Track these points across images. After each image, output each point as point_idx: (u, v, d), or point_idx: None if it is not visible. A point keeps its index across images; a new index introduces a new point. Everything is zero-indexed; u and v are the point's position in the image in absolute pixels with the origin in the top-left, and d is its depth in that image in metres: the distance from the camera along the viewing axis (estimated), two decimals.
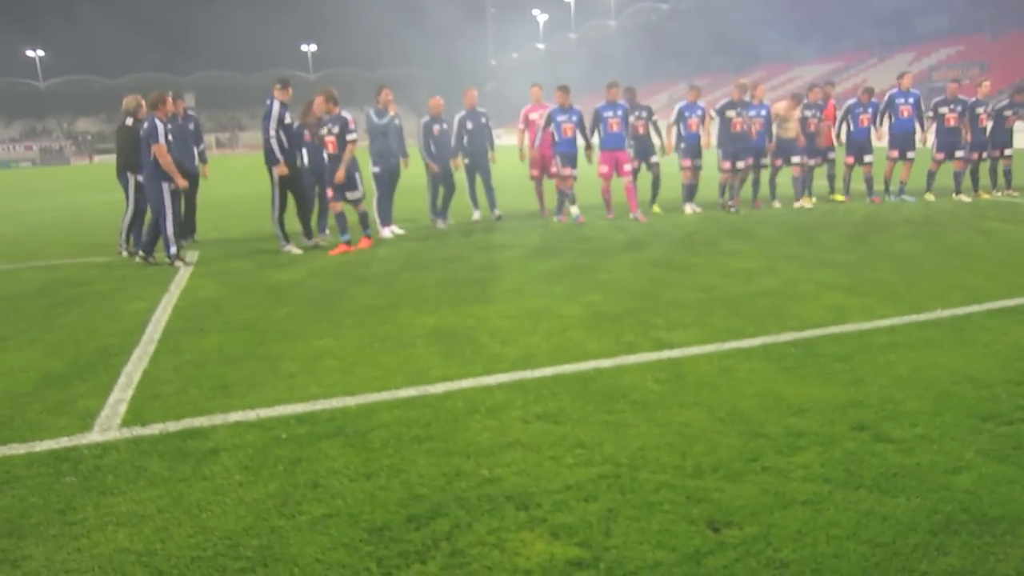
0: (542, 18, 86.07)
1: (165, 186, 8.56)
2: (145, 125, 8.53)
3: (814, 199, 12.55)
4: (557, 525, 2.83)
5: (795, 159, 12.03)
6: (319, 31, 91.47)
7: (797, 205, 12.11)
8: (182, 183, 8.71)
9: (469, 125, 11.38)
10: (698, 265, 7.69)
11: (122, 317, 6.36)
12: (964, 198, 12.35)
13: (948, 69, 41.21)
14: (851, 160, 12.56)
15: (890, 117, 12.32)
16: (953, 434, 3.49)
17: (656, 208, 12.07)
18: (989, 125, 12.61)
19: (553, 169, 11.27)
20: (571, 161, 11.16)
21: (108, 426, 3.90)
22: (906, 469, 3.17)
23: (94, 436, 3.78)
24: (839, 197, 12.65)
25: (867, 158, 12.31)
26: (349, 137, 9.08)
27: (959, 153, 12.37)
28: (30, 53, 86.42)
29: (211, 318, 6.18)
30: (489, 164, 11.60)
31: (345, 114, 9.18)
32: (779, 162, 12.24)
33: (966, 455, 3.27)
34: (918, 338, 4.94)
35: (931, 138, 12.63)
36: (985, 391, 3.99)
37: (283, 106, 9.29)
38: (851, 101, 12.47)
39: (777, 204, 12.36)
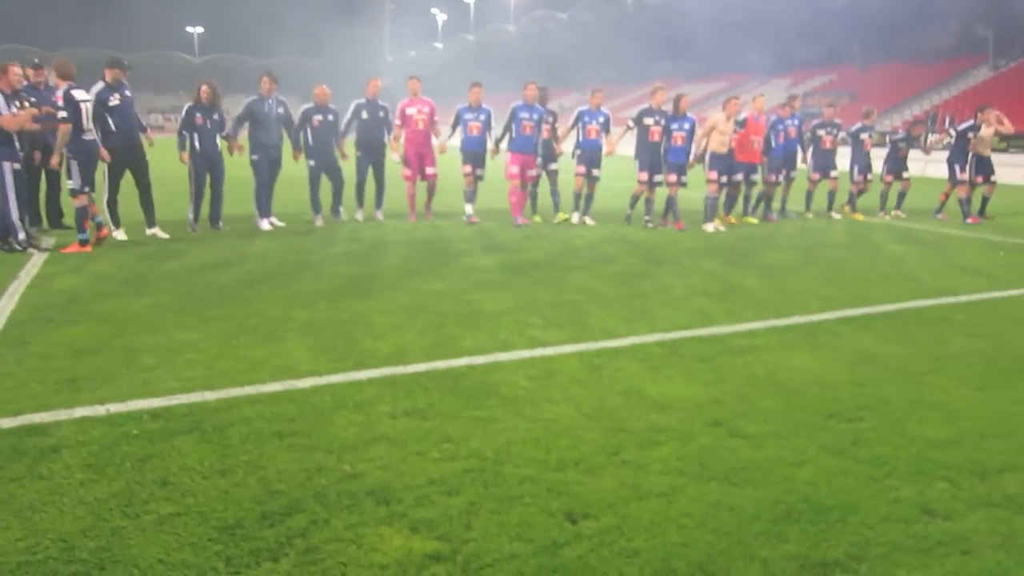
0: (441, 17, 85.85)
1: (7, 166, 7.91)
2: None
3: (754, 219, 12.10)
4: (417, 519, 2.80)
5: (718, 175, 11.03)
6: (206, 13, 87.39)
7: (708, 227, 10.96)
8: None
9: (364, 115, 10.91)
10: (577, 268, 7.85)
11: None
12: (835, 215, 12.98)
13: (822, 96, 43.94)
14: (773, 178, 12.14)
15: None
16: (799, 431, 3.70)
17: (562, 215, 11.46)
18: (890, 151, 13.34)
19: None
20: (475, 160, 11.02)
21: None
22: (755, 463, 3.34)
23: None
24: (752, 220, 12.11)
25: (792, 173, 12.30)
26: (59, 115, 8.08)
27: (832, 173, 12.87)
28: None
29: (64, 308, 5.76)
30: (384, 160, 11.26)
31: (64, 89, 8.17)
32: (715, 176, 11.02)
33: (809, 450, 3.48)
34: (775, 341, 5.22)
35: (808, 158, 13.03)
36: (830, 391, 4.26)
37: (108, 88, 8.86)
38: (774, 117, 12.23)
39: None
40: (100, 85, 8.83)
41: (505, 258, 8.35)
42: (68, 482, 3.03)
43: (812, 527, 2.83)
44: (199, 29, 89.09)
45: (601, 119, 11.06)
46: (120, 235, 9.14)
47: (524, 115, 10.80)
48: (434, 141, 11.32)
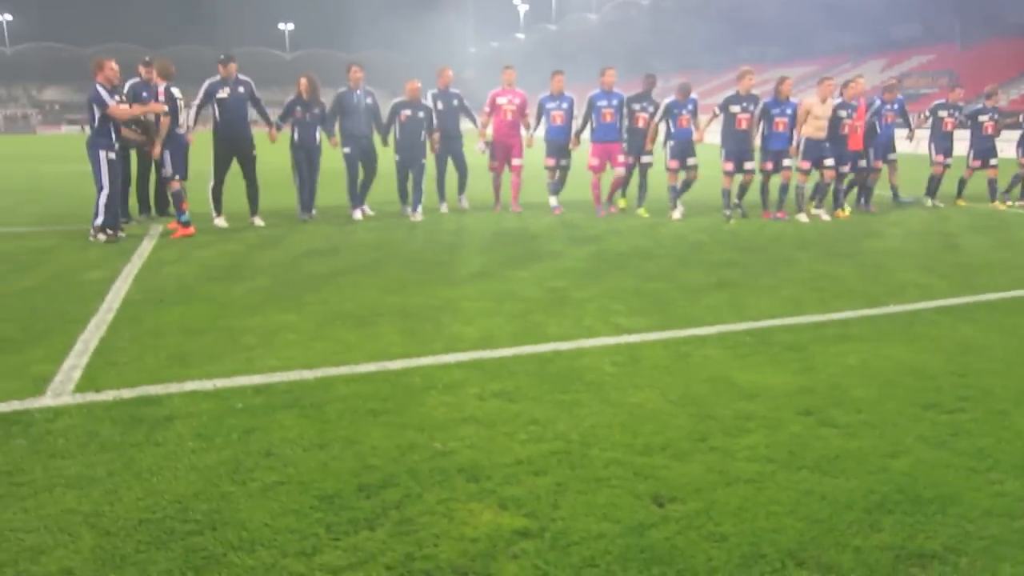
0: (523, 8, 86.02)
1: (103, 155, 8.36)
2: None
3: (848, 210, 11.16)
4: (506, 497, 2.88)
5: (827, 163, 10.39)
6: (297, 10, 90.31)
7: (804, 217, 10.49)
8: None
9: (440, 105, 10.88)
10: (663, 256, 7.78)
11: (81, 286, 6.29)
12: (938, 204, 12.15)
13: (920, 77, 41.90)
14: (879, 164, 11.52)
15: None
16: (895, 421, 3.60)
17: (643, 212, 10.90)
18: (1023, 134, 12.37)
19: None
20: (559, 151, 10.94)
21: (61, 391, 3.88)
22: (848, 452, 3.27)
23: (46, 400, 3.76)
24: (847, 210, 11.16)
25: (891, 156, 11.68)
26: (163, 108, 8.82)
27: (947, 160, 12.01)
28: None
29: (172, 290, 6.13)
30: (462, 148, 11.26)
31: (165, 86, 9.00)
32: (807, 165, 10.42)
33: (906, 440, 3.38)
34: (869, 331, 5.06)
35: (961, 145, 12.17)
36: (928, 382, 4.11)
37: (220, 81, 9.48)
38: (877, 101, 11.55)
39: (822, 214, 10.68)
40: (215, 78, 9.49)
41: (590, 247, 8.35)
42: (181, 449, 3.25)
43: (908, 518, 2.76)
44: (290, 26, 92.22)
45: (690, 107, 10.72)
46: (221, 223, 9.63)
47: (602, 103, 10.61)
48: (523, 133, 11.32)
